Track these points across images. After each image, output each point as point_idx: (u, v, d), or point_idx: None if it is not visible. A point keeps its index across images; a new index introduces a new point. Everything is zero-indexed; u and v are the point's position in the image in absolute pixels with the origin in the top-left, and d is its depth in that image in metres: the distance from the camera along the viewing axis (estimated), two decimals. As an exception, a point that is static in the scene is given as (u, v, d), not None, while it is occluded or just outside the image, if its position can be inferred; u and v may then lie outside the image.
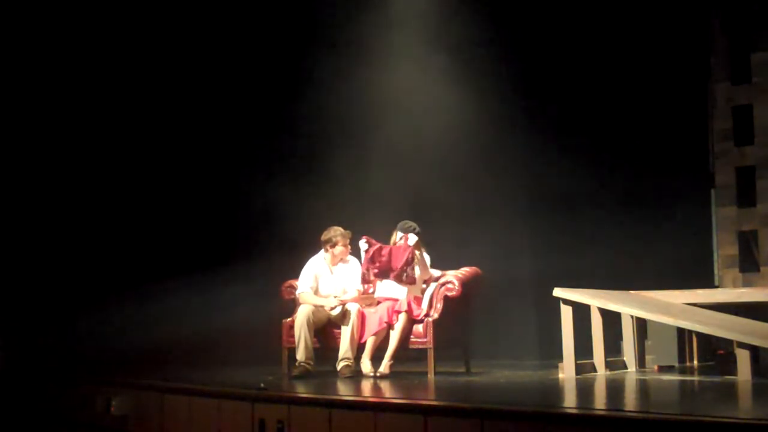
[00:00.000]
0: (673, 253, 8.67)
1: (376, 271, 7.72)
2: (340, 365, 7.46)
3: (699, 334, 7.98)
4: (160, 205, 10.10)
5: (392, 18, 9.74)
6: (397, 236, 7.80)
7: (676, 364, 8.07)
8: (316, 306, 7.68)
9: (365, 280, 7.85)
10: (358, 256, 7.99)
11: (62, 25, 9.88)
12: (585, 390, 6.42)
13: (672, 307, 7.63)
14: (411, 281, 7.68)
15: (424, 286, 7.79)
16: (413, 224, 7.79)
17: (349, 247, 7.92)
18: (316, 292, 7.83)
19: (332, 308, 7.66)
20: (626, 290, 7.99)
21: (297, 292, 7.86)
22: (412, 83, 9.61)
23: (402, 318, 7.47)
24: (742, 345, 6.75)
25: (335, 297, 7.73)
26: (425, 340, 7.52)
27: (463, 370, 7.84)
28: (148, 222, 10.10)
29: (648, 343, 8.09)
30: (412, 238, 7.63)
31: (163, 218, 10.11)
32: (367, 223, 8.43)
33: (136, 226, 10.09)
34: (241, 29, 10.12)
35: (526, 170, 9.58)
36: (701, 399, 6.01)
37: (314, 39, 9.99)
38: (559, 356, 7.35)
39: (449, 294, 7.58)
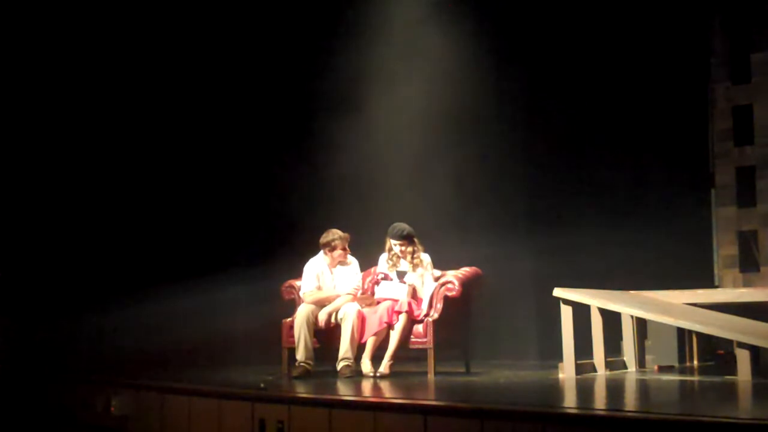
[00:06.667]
0: (673, 253, 8.66)
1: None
2: (340, 365, 7.46)
3: (699, 334, 7.98)
4: (162, 206, 10.10)
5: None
6: (391, 243, 7.80)
7: (676, 364, 8.07)
8: (319, 301, 7.69)
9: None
10: (358, 258, 8.00)
11: (74, 23, 9.88)
12: (585, 390, 6.42)
13: (672, 307, 7.63)
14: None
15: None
16: (402, 228, 7.76)
17: (348, 249, 7.92)
18: (318, 293, 7.88)
19: (335, 298, 7.68)
20: (626, 290, 7.99)
21: (301, 293, 7.87)
22: (410, 84, 9.60)
23: (402, 318, 7.47)
24: (742, 345, 6.75)
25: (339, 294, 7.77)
26: (425, 340, 7.52)
27: (463, 370, 7.83)
28: (149, 223, 10.10)
29: (648, 343, 8.09)
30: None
31: (164, 220, 10.11)
32: (367, 224, 8.44)
33: (138, 227, 10.09)
34: (244, 32, 10.15)
35: (526, 170, 9.58)
36: (701, 399, 6.02)
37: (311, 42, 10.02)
38: (559, 356, 7.35)
39: (449, 294, 7.58)
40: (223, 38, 10.11)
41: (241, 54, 10.14)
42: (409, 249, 7.76)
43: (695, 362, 8.27)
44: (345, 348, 7.47)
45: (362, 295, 7.85)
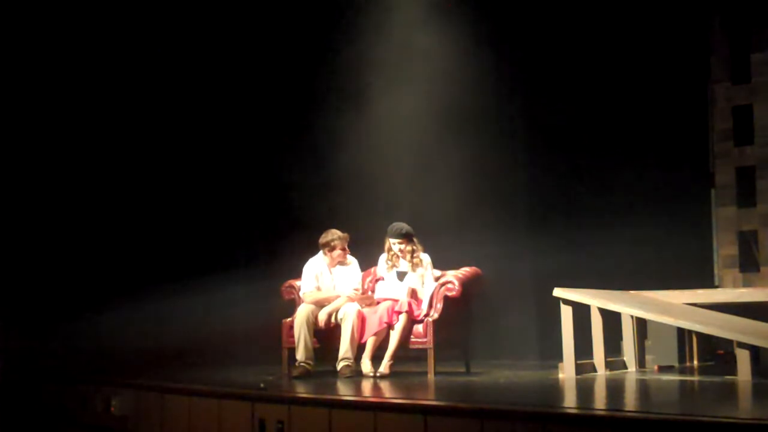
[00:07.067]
0: (673, 253, 8.66)
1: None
2: (340, 365, 7.46)
3: (699, 334, 7.98)
4: (161, 206, 10.10)
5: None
6: (390, 242, 7.79)
7: (676, 364, 8.07)
8: (319, 301, 7.69)
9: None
10: (358, 258, 8.00)
11: (73, 18, 9.89)
12: (585, 390, 6.42)
13: (672, 307, 7.63)
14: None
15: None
16: (401, 227, 7.76)
17: (348, 249, 7.92)
18: (317, 293, 7.87)
19: (335, 299, 7.67)
20: (626, 290, 7.99)
21: (301, 293, 7.87)
22: (410, 84, 9.60)
23: (402, 318, 7.47)
24: (742, 345, 6.75)
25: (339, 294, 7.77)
26: (425, 340, 7.51)
27: (463, 370, 7.83)
28: (149, 223, 10.11)
29: (648, 343, 8.09)
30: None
31: (163, 220, 10.11)
32: (367, 223, 8.43)
33: (137, 227, 10.09)
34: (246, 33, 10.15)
35: (525, 170, 9.58)
36: (701, 399, 6.02)
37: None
38: (559, 356, 7.35)
39: (449, 294, 7.57)
40: (224, 37, 10.12)
41: (242, 52, 10.15)
42: (409, 248, 7.76)
43: (695, 362, 8.27)
44: (345, 348, 7.47)
45: (362, 295, 7.85)
